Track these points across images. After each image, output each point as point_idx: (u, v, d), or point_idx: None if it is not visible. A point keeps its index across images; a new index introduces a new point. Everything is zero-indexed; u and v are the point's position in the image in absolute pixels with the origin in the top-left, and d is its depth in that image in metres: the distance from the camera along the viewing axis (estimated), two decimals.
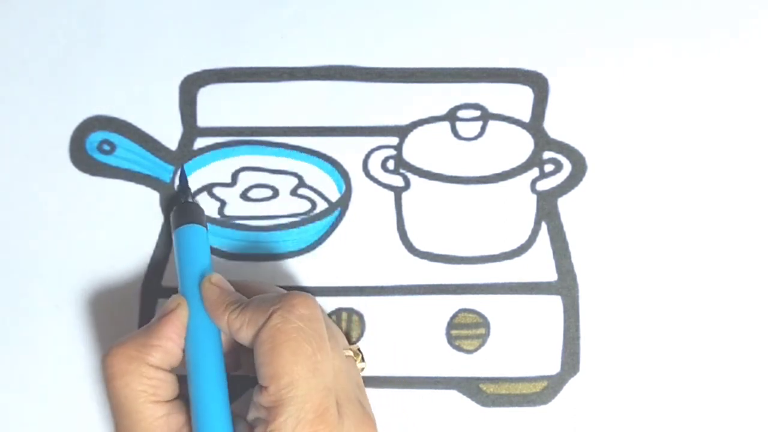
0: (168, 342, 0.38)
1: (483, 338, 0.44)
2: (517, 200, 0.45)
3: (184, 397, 0.39)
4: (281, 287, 0.44)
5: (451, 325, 0.44)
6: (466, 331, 0.44)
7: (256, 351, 0.36)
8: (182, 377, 0.39)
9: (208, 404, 0.37)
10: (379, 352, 0.44)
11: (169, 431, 0.37)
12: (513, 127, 0.46)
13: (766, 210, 0.45)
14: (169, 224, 0.45)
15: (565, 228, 0.45)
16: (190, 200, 0.44)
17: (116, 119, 0.46)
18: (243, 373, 0.41)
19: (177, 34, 0.47)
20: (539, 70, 0.46)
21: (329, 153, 0.46)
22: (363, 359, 0.42)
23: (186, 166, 0.45)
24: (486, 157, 0.46)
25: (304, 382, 0.35)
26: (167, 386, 0.38)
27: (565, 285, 0.45)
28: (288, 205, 0.45)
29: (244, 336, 0.37)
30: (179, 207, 0.43)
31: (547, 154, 0.46)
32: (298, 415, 0.35)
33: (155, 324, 0.38)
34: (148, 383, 0.37)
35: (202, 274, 0.40)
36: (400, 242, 0.45)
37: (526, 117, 0.46)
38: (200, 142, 0.46)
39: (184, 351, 0.38)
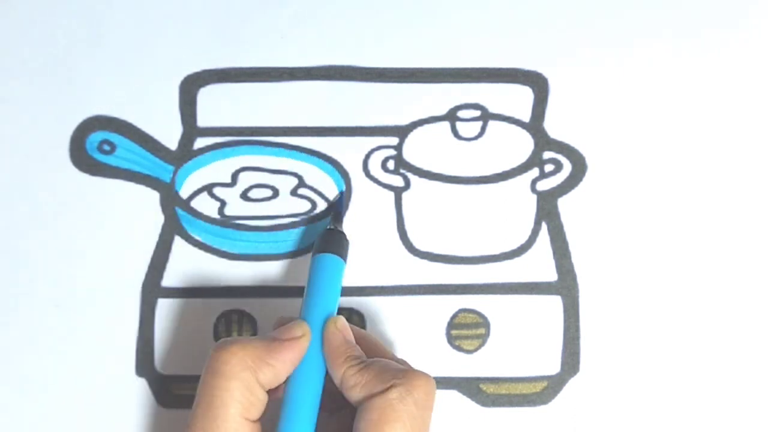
0: (282, 367, 0.37)
1: (483, 338, 0.44)
2: (517, 200, 0.45)
3: (265, 422, 0.38)
4: (282, 287, 0.44)
5: (451, 325, 0.44)
6: (466, 331, 0.44)
7: (361, 414, 0.36)
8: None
9: None
10: None
11: None
12: (513, 127, 0.46)
13: (766, 210, 0.45)
14: (170, 224, 0.45)
15: (565, 228, 0.45)
16: (340, 228, 0.43)
17: (116, 119, 0.46)
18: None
19: (177, 34, 0.47)
20: (539, 70, 0.46)
21: (329, 153, 0.46)
22: None
23: (186, 166, 0.45)
24: (486, 157, 0.46)
25: None
26: (260, 406, 0.37)
27: (565, 285, 0.45)
28: (288, 205, 0.45)
29: (354, 395, 0.37)
30: (329, 233, 0.42)
31: (547, 154, 0.46)
32: None
33: (277, 344, 0.37)
34: (249, 398, 0.36)
35: (329, 312, 0.39)
36: (400, 242, 0.45)
37: (526, 117, 0.46)
38: (200, 142, 0.46)
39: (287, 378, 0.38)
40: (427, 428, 0.37)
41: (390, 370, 0.37)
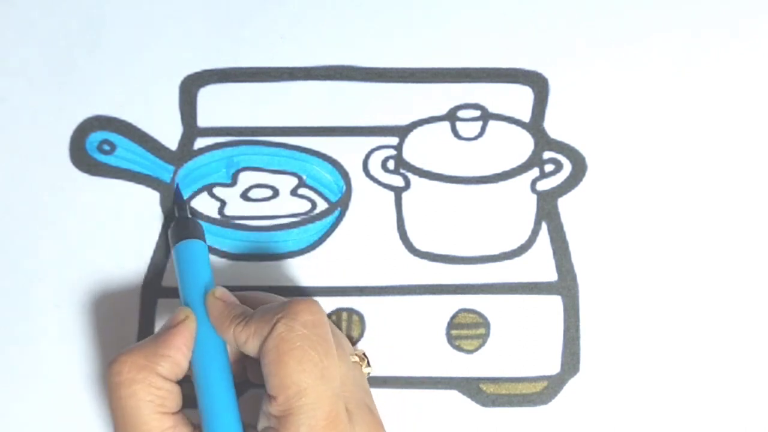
0: (177, 353, 0.37)
1: (483, 338, 0.44)
2: (517, 200, 0.45)
3: (187, 409, 0.38)
4: (282, 288, 0.44)
5: (451, 325, 0.44)
6: (466, 331, 0.44)
7: (262, 361, 0.36)
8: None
9: (219, 416, 0.37)
10: (379, 352, 0.44)
11: None
12: (513, 127, 0.46)
13: (766, 210, 0.45)
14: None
15: (565, 228, 0.45)
16: (186, 215, 0.44)
17: (116, 119, 0.46)
18: (250, 381, 0.41)
19: (177, 34, 0.47)
20: (539, 70, 0.46)
21: (329, 153, 0.46)
22: (368, 364, 0.42)
23: (186, 166, 0.45)
24: (486, 157, 0.46)
25: (313, 390, 0.35)
26: (174, 397, 0.37)
27: (565, 285, 0.45)
28: (288, 205, 0.45)
29: (251, 348, 0.37)
30: (176, 223, 0.43)
31: (547, 154, 0.46)
32: (310, 423, 0.35)
33: (164, 334, 0.38)
34: (157, 393, 0.36)
35: (205, 288, 0.40)
36: (400, 242, 0.45)
37: (526, 117, 0.46)
38: (200, 142, 0.46)
39: (190, 363, 0.38)
40: (329, 342, 0.37)
41: (270, 310, 0.37)
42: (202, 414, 0.37)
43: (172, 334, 0.38)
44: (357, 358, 0.41)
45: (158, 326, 0.44)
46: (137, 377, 0.36)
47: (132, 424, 0.36)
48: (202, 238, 0.42)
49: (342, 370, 0.37)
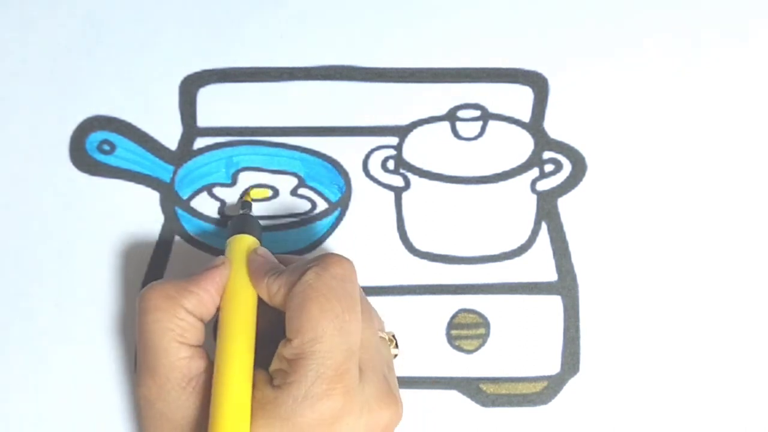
0: (204, 293, 0.38)
1: (483, 338, 0.44)
2: (517, 200, 0.45)
3: (207, 348, 0.39)
4: None
5: (451, 325, 0.44)
6: (466, 331, 0.44)
7: (286, 306, 0.37)
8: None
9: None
10: None
11: (188, 372, 0.37)
12: (513, 127, 0.46)
13: (766, 210, 0.45)
14: (170, 224, 0.45)
15: (565, 228, 0.45)
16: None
17: (116, 119, 0.46)
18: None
19: (177, 34, 0.47)
20: (539, 70, 0.46)
21: (329, 153, 0.46)
22: (397, 345, 0.42)
23: (186, 166, 0.45)
24: (486, 157, 0.46)
25: (329, 338, 0.35)
26: (195, 332, 0.38)
27: (565, 285, 0.45)
28: (288, 205, 0.45)
29: (280, 297, 0.38)
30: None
31: (547, 154, 0.46)
32: (318, 370, 0.35)
33: (196, 274, 0.39)
34: (178, 324, 0.38)
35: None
36: (400, 242, 0.45)
37: (526, 117, 0.46)
38: (200, 142, 0.46)
39: (217, 311, 0.39)
40: (355, 299, 0.37)
41: (304, 261, 0.38)
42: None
43: (203, 275, 0.39)
44: (386, 336, 0.41)
45: None
46: (163, 305, 0.38)
47: (152, 348, 0.37)
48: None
49: (365, 335, 0.37)
